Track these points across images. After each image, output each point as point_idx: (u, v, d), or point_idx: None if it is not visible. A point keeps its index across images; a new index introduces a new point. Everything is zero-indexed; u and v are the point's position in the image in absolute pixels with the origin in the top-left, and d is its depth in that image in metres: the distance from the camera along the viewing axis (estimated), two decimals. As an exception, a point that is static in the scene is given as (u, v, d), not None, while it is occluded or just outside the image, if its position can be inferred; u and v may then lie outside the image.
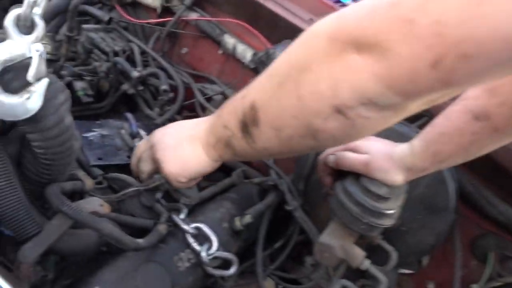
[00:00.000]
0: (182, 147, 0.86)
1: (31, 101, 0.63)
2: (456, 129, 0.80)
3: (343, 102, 0.56)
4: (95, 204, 0.79)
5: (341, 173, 0.95)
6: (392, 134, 1.03)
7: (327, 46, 0.56)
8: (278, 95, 0.64)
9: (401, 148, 0.88)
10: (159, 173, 0.95)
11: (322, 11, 1.25)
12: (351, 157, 0.90)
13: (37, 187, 0.77)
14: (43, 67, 0.64)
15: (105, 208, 0.79)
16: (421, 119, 1.10)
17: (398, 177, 0.87)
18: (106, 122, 1.17)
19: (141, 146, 0.96)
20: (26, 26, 0.63)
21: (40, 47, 0.63)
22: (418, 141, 0.86)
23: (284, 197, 1.21)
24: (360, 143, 0.92)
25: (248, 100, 0.70)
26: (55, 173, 0.76)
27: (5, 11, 1.58)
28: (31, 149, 0.73)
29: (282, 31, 1.26)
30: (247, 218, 1.08)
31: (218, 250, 0.98)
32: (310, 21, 1.20)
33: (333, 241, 0.91)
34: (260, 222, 1.21)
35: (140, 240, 0.84)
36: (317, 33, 0.59)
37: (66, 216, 0.73)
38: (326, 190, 1.19)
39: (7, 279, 0.67)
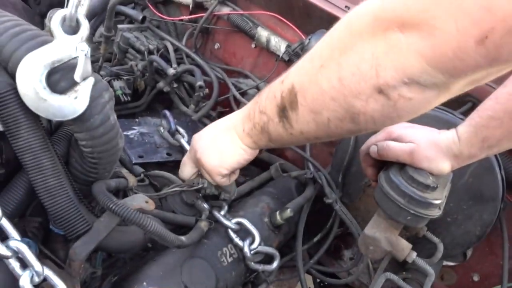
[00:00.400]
0: (218, 139, 0.87)
1: (78, 100, 0.64)
2: (507, 112, 0.76)
3: (385, 81, 0.56)
4: (141, 200, 0.79)
5: (383, 164, 0.93)
6: (436, 122, 1.00)
7: (371, 25, 0.56)
8: (319, 77, 0.63)
9: (447, 135, 0.85)
10: (199, 176, 0.97)
11: (357, -2, 1.23)
12: (394, 147, 0.87)
13: (84, 186, 0.78)
14: (89, 66, 0.64)
15: (150, 205, 0.80)
16: (465, 105, 1.07)
17: (444, 165, 0.84)
18: (145, 120, 1.18)
19: (187, 154, 0.98)
20: (71, 26, 0.64)
21: (85, 46, 0.64)
22: (465, 127, 0.83)
23: (322, 190, 1.20)
24: (403, 132, 0.89)
25: (287, 84, 0.70)
26: (102, 171, 0.77)
27: (42, 17, 1.62)
28: (78, 148, 0.74)
29: (317, 21, 1.24)
30: (288, 213, 1.07)
31: (260, 244, 0.98)
32: (346, 9, 1.17)
33: (378, 233, 0.89)
34: (299, 215, 1.20)
35: (183, 238, 0.85)
36: (361, 13, 0.58)
37: (113, 213, 0.74)
38: (367, 182, 1.18)
39: (59, 277, 0.69)
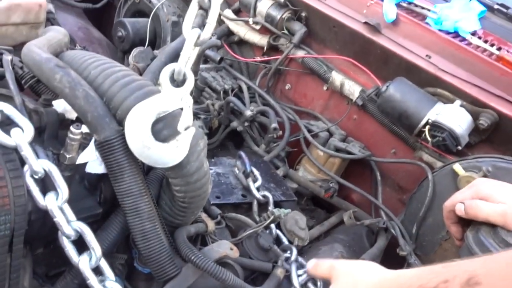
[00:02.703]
0: None
1: (179, 149, 0.66)
2: None
3: None
4: (226, 247, 0.80)
5: (469, 222, 0.88)
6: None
7: None
8: None
9: None
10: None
11: (440, 46, 1.20)
12: (485, 207, 0.83)
13: (170, 227, 0.80)
14: (191, 117, 0.67)
15: (235, 252, 0.81)
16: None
17: None
18: (220, 160, 1.20)
19: None
20: (179, 80, 0.67)
21: (189, 99, 0.67)
22: None
23: (393, 240, 1.16)
24: (493, 191, 0.85)
25: None
26: (189, 215, 0.79)
27: (124, 53, 1.70)
28: (169, 192, 0.76)
29: (394, 68, 1.22)
30: (362, 263, 1.04)
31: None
32: (427, 58, 1.15)
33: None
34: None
35: None
36: None
37: (194, 265, 0.75)
38: (444, 236, 1.13)
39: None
